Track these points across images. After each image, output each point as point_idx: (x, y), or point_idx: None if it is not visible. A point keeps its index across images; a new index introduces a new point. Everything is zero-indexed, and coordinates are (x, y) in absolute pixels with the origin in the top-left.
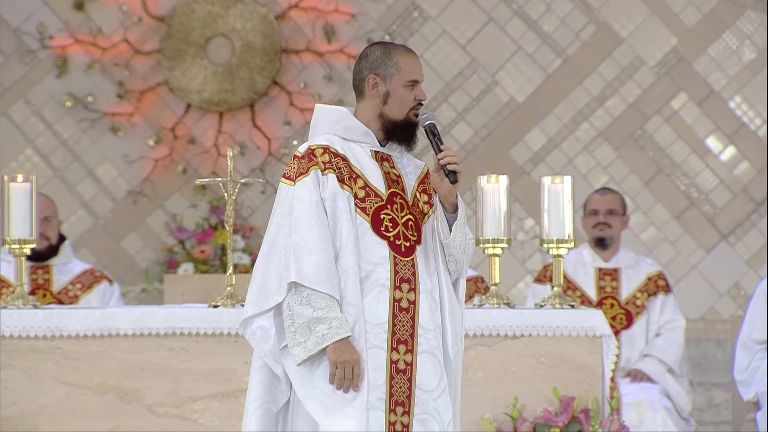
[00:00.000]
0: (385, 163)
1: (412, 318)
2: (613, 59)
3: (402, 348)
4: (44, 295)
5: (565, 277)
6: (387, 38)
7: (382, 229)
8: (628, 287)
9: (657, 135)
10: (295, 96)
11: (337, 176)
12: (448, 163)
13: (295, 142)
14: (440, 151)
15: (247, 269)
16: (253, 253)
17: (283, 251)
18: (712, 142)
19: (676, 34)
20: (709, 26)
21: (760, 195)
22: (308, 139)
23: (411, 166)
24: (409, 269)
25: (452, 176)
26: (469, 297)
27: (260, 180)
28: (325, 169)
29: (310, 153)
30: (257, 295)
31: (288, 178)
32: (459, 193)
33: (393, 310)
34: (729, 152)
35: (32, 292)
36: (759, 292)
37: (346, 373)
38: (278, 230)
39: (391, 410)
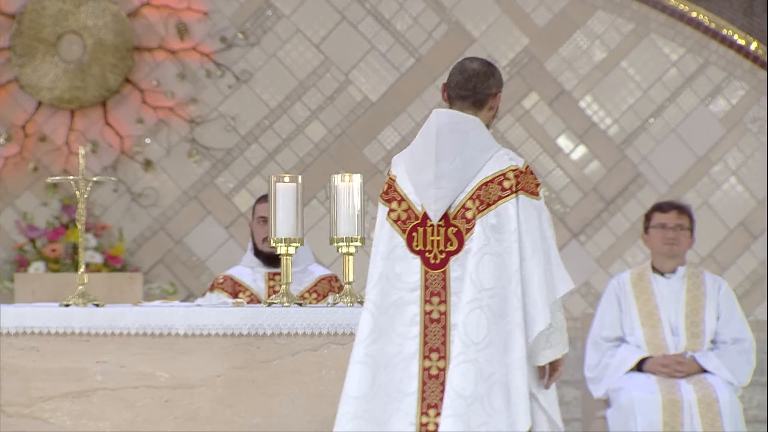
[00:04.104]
0: None
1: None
2: None
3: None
4: None
5: None
6: (240, 36)
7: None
8: None
9: (509, 134)
10: (148, 94)
11: None
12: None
13: (147, 140)
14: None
15: (99, 268)
16: (105, 252)
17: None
18: (563, 142)
19: (528, 34)
20: (560, 26)
21: (610, 194)
22: (497, 149)
23: None
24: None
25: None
26: (324, 296)
27: (112, 178)
28: None
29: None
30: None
31: (534, 194)
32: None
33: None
34: (579, 151)
35: None
36: (609, 290)
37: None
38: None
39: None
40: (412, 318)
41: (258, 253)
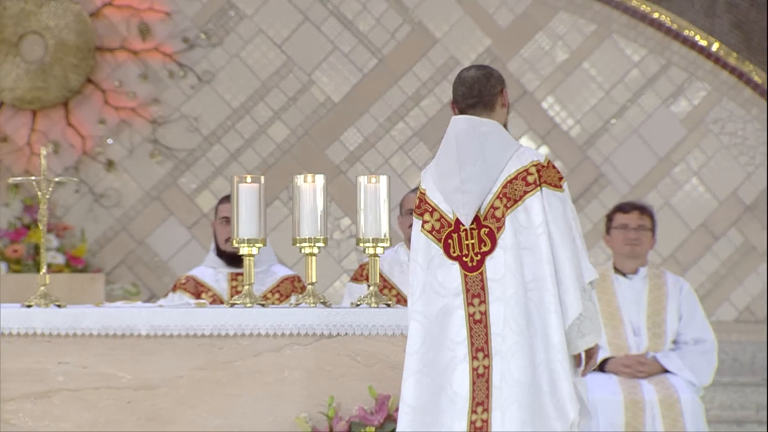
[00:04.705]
0: None
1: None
2: (428, 59)
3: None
4: None
5: (381, 276)
6: (202, 37)
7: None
8: None
9: None
10: (110, 94)
11: None
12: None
13: (110, 141)
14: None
15: (61, 269)
16: (67, 252)
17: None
18: (526, 142)
19: (490, 34)
20: (522, 27)
21: (572, 195)
22: (517, 147)
23: None
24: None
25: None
26: (286, 296)
27: (74, 179)
28: None
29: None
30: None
31: (557, 186)
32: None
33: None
34: (542, 152)
35: None
36: None
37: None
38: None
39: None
40: (460, 322)
41: (221, 253)
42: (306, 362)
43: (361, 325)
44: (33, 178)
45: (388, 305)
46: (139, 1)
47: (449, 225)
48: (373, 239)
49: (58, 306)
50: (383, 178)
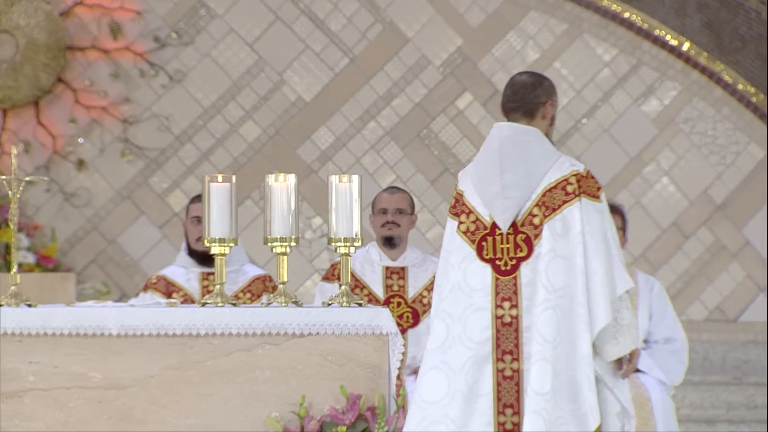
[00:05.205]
0: None
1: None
2: (399, 59)
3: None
4: None
5: (352, 275)
6: (174, 36)
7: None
8: (414, 286)
9: (443, 134)
10: (81, 93)
11: None
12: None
13: (80, 140)
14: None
15: (32, 268)
16: (37, 252)
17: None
18: None
19: (461, 34)
20: (493, 27)
21: None
22: (557, 157)
23: None
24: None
25: None
26: (258, 296)
27: (45, 178)
28: None
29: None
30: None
31: (596, 197)
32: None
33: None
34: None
35: None
36: None
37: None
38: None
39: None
40: (485, 323)
41: (192, 252)
42: (277, 362)
43: (332, 325)
44: (3, 177)
45: (360, 305)
46: (110, 0)
47: (485, 228)
48: (344, 239)
49: (29, 305)
50: (355, 178)
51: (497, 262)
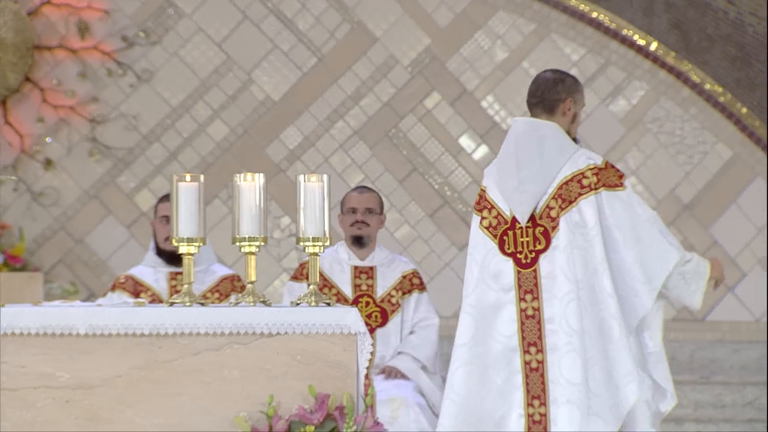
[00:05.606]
0: None
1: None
2: (368, 58)
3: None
4: None
5: (321, 275)
6: (141, 35)
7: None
8: (383, 285)
9: (411, 134)
10: (48, 93)
11: None
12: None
13: (48, 140)
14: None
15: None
16: (5, 252)
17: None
18: (465, 141)
19: (429, 34)
20: (462, 26)
21: None
22: (574, 150)
23: None
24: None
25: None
26: (226, 295)
27: (12, 177)
28: None
29: None
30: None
31: (617, 186)
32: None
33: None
34: (481, 151)
35: None
36: None
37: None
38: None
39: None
40: (510, 316)
41: (160, 252)
42: (245, 361)
43: (300, 324)
44: None
45: (328, 304)
46: (78, 0)
47: (506, 222)
48: (313, 238)
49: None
50: (323, 177)
51: (518, 255)
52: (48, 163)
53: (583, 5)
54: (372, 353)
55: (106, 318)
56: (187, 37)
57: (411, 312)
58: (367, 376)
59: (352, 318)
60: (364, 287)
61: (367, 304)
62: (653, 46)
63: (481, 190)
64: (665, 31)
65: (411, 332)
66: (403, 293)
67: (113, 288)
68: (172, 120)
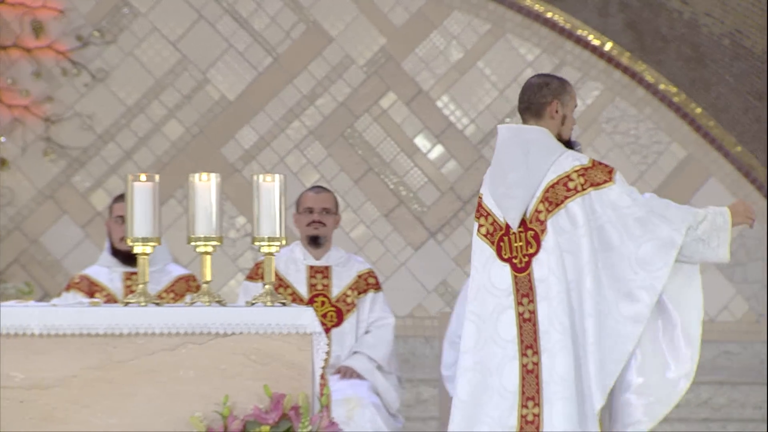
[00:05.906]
0: None
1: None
2: (323, 58)
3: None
4: None
5: (276, 274)
6: (96, 35)
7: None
8: (339, 285)
9: (366, 134)
10: (3, 92)
11: None
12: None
13: (2, 139)
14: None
15: None
16: None
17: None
18: (421, 141)
19: (385, 33)
20: (417, 26)
21: (466, 193)
22: (560, 153)
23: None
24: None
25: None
26: (181, 296)
27: None
28: None
29: None
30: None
31: (605, 182)
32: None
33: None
34: (437, 151)
35: None
36: (465, 289)
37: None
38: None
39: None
40: (511, 321)
41: (115, 252)
42: (201, 361)
43: (256, 324)
44: None
45: (284, 304)
46: None
47: (501, 228)
48: (268, 238)
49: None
50: (278, 177)
51: (514, 260)
52: (2, 163)
53: (538, 5)
54: (327, 353)
55: (61, 318)
56: (142, 36)
57: (366, 312)
58: (322, 376)
59: (307, 318)
60: (319, 287)
61: (323, 303)
62: (608, 46)
63: (479, 197)
64: (620, 31)
65: (366, 332)
66: (359, 293)
67: (68, 288)
68: (127, 119)
